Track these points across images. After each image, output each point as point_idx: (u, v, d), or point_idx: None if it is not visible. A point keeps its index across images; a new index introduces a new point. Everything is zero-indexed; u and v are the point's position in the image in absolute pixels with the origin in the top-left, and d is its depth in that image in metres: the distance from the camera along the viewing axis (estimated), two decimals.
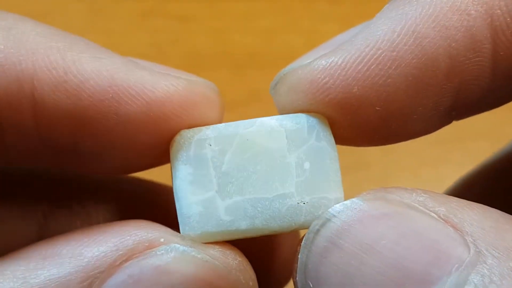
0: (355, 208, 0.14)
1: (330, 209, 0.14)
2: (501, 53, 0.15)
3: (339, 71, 0.15)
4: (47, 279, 0.14)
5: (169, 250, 0.14)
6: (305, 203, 0.15)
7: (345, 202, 0.14)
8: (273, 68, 0.43)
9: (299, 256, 0.14)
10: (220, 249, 0.15)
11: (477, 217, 0.13)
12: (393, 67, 0.15)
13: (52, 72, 0.15)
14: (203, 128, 0.16)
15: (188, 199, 0.15)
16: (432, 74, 0.15)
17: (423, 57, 0.15)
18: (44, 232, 0.19)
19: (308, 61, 0.16)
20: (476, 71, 0.15)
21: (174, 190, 0.16)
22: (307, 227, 0.15)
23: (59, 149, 0.16)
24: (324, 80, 0.15)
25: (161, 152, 0.16)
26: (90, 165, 0.17)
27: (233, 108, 0.42)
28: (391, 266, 0.13)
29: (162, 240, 0.14)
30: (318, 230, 0.14)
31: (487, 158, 0.23)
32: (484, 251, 0.13)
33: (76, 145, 0.16)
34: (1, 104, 0.15)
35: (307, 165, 0.15)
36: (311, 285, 0.14)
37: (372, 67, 0.15)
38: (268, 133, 0.15)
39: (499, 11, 0.15)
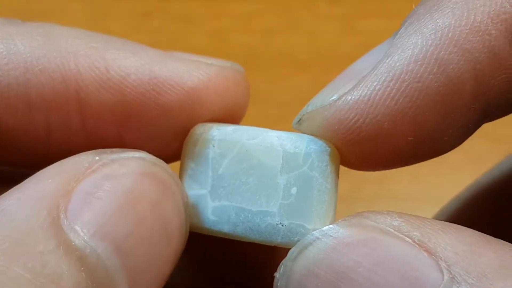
0: (331, 236, 0.14)
1: (307, 236, 0.14)
2: None
3: (367, 109, 0.15)
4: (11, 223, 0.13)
5: (109, 161, 0.15)
6: (284, 225, 0.15)
7: (322, 229, 0.14)
8: (273, 68, 0.43)
9: (278, 284, 0.15)
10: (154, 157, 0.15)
11: (451, 241, 0.13)
12: (421, 98, 0.15)
13: (94, 71, 0.16)
14: (214, 126, 0.16)
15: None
16: (459, 97, 0.15)
17: (449, 83, 0.15)
18: None
19: (332, 98, 0.16)
20: (503, 86, 0.15)
21: None
22: (284, 246, 0.15)
23: (104, 144, 0.17)
24: (354, 119, 0.15)
25: None
26: None
27: None
28: None
29: (97, 158, 0.15)
30: (295, 258, 0.14)
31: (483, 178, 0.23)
32: (458, 277, 0.13)
33: (122, 139, 0.17)
34: (49, 106, 0.16)
35: (294, 190, 0.15)
36: None
37: (400, 101, 0.15)
38: (267, 150, 0.16)
39: None
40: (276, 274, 0.15)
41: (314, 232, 0.14)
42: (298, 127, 0.17)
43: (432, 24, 0.15)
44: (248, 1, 0.46)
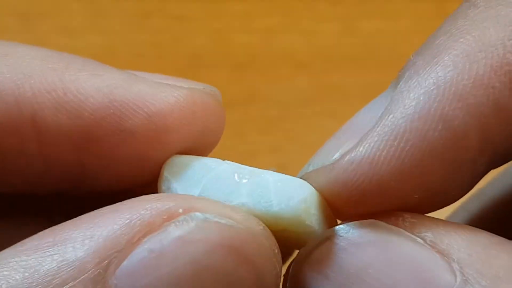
0: (341, 236, 0.14)
1: (317, 237, 0.14)
2: None
3: (372, 169, 0.14)
4: (61, 264, 0.13)
5: (189, 219, 0.13)
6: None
7: (332, 229, 0.14)
8: (273, 68, 0.43)
9: (287, 285, 0.14)
10: (243, 214, 0.14)
11: (464, 242, 0.13)
12: (426, 156, 0.14)
13: (51, 93, 0.15)
14: (172, 179, 0.16)
15: None
16: (465, 152, 0.14)
17: (454, 140, 0.14)
18: None
19: (334, 157, 0.15)
20: (510, 137, 0.15)
21: None
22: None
23: (65, 170, 0.16)
24: (359, 180, 0.14)
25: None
26: (97, 183, 0.17)
27: (232, 108, 0.42)
28: None
29: (180, 210, 0.13)
30: (305, 259, 0.14)
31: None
32: (471, 279, 0.12)
33: (82, 165, 0.16)
34: (2, 131, 0.15)
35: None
36: None
37: (405, 160, 0.14)
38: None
39: None
40: (285, 275, 0.14)
41: (324, 232, 0.14)
42: None
43: (433, 78, 0.14)
44: (248, 1, 0.45)
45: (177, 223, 0.13)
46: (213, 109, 0.17)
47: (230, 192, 0.15)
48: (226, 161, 0.16)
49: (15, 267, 0.13)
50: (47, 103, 0.15)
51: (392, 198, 0.15)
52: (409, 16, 0.45)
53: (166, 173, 0.16)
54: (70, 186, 0.17)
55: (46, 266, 0.13)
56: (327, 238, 0.14)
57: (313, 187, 0.15)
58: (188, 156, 0.16)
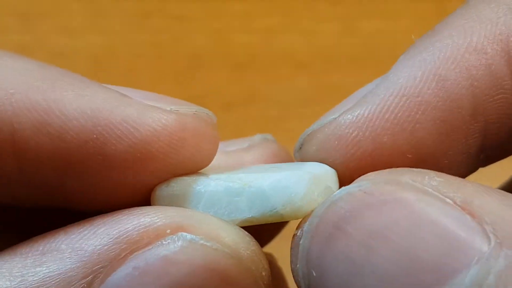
0: (365, 192, 0.13)
1: (336, 192, 0.13)
2: None
3: (366, 123, 0.15)
4: (47, 276, 0.13)
5: (176, 239, 0.13)
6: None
7: (353, 184, 0.13)
8: (273, 68, 0.43)
9: (300, 242, 0.13)
10: (231, 237, 0.14)
11: (497, 204, 0.12)
12: (420, 112, 0.15)
13: (32, 113, 0.14)
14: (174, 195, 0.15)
15: None
16: (458, 114, 0.15)
17: (447, 99, 0.15)
18: None
19: (332, 117, 0.16)
20: (501, 108, 0.15)
21: None
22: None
23: (44, 191, 0.15)
24: (353, 134, 0.15)
25: (151, 188, 0.16)
26: (82, 203, 0.16)
27: (232, 108, 0.42)
28: (403, 255, 0.12)
29: (168, 231, 0.13)
30: (322, 214, 0.13)
31: None
32: (506, 243, 0.12)
33: (62, 186, 0.15)
34: None
35: None
36: (314, 274, 0.13)
37: (399, 115, 0.15)
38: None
39: None
40: (297, 232, 0.14)
41: (346, 187, 0.13)
42: (298, 152, 0.16)
43: (430, 46, 0.15)
44: (248, 1, 0.45)
45: (164, 243, 0.13)
46: (205, 134, 0.16)
47: (231, 211, 0.15)
48: (211, 177, 0.15)
49: (4, 274, 0.13)
50: (28, 123, 0.14)
51: (386, 155, 0.15)
52: (409, 16, 0.45)
53: (157, 203, 0.15)
54: (52, 204, 0.16)
55: (33, 277, 0.13)
56: (349, 193, 0.13)
57: (311, 148, 0.15)
58: (172, 182, 0.15)
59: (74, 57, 0.41)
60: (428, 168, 0.15)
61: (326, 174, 0.15)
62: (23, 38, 0.42)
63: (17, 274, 0.13)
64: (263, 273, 0.14)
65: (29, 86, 0.15)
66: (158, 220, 0.14)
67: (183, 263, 0.13)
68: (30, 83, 0.15)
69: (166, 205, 0.15)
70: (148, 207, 0.14)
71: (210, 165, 0.16)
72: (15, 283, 0.13)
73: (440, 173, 0.13)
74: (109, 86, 0.16)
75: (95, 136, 0.14)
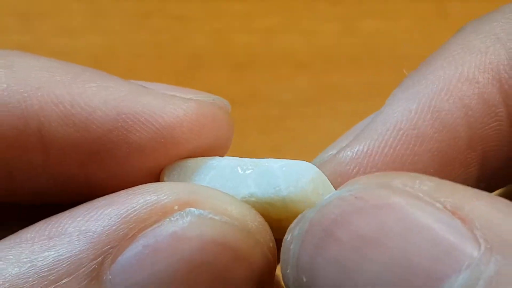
0: (355, 197, 0.13)
1: (327, 196, 0.13)
2: None
3: (367, 159, 0.15)
4: (56, 259, 0.13)
5: (184, 215, 0.13)
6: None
7: (344, 188, 0.13)
8: (273, 68, 0.43)
9: (290, 247, 0.13)
10: (238, 210, 0.14)
11: (487, 209, 0.12)
12: (417, 144, 0.15)
13: (58, 106, 0.15)
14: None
15: None
16: (455, 144, 0.15)
17: (443, 130, 0.15)
18: None
19: (330, 153, 0.16)
20: (496, 135, 0.15)
21: None
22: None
23: (69, 183, 0.16)
24: (355, 170, 0.15)
25: None
26: (101, 193, 0.16)
27: (233, 108, 0.42)
28: (395, 260, 0.12)
29: (176, 207, 0.14)
30: (313, 219, 0.13)
31: None
32: (496, 248, 0.12)
33: (88, 178, 0.16)
34: (8, 143, 0.15)
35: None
36: (305, 280, 0.13)
37: (397, 148, 0.15)
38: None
39: (505, 74, 0.15)
40: (287, 237, 0.14)
41: (336, 191, 0.13)
42: None
43: (423, 79, 0.16)
44: (248, 1, 0.45)
45: (172, 219, 0.13)
46: (222, 121, 0.17)
47: (236, 185, 0.15)
48: (225, 157, 0.16)
49: (12, 260, 0.13)
50: (54, 116, 0.15)
51: None
52: (409, 16, 0.45)
53: (166, 178, 0.16)
54: (73, 198, 0.17)
55: (42, 262, 0.13)
56: (340, 198, 0.13)
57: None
58: (186, 159, 0.16)
59: (74, 57, 0.41)
60: None
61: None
62: (23, 38, 0.42)
63: (25, 260, 0.13)
64: (271, 244, 0.14)
65: (53, 81, 0.15)
66: (165, 197, 0.14)
67: (193, 238, 0.13)
68: (54, 78, 0.15)
69: (175, 177, 0.16)
70: (153, 184, 0.15)
71: None
72: (25, 269, 0.13)
73: (431, 177, 0.13)
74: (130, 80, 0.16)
75: (119, 124, 0.15)
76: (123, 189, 0.16)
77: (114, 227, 0.13)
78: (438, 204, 0.12)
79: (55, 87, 0.15)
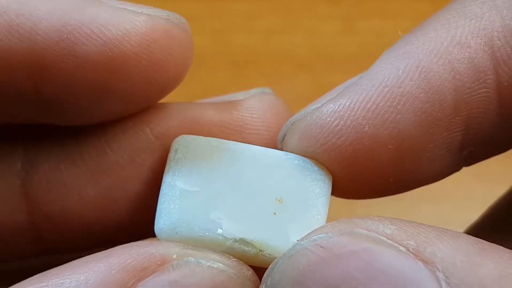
0: (321, 247, 0.13)
1: (294, 246, 0.13)
2: (505, 84, 0.15)
3: (348, 112, 0.15)
4: None
5: (183, 263, 0.14)
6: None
7: (311, 238, 0.13)
8: (273, 68, 0.43)
9: None
10: (234, 259, 0.14)
11: (448, 250, 0.12)
12: (402, 103, 0.15)
13: (2, 16, 0.15)
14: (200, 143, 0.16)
15: None
16: (440, 107, 0.15)
17: (429, 91, 0.15)
18: (27, 186, 0.17)
19: (315, 107, 0.16)
20: (483, 103, 0.15)
21: None
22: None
23: (22, 98, 0.15)
24: (335, 123, 0.15)
25: (128, 94, 0.16)
26: (66, 116, 0.16)
27: None
28: None
29: (174, 256, 0.14)
30: (283, 269, 0.13)
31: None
32: None
33: (39, 93, 0.15)
34: None
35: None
36: None
37: (381, 104, 0.15)
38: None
39: (498, 42, 0.15)
40: (262, 286, 0.14)
41: (302, 242, 0.13)
42: (282, 143, 0.16)
43: (414, 39, 0.15)
44: (248, 1, 0.45)
45: (171, 268, 0.13)
46: (177, 38, 0.16)
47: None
48: (238, 143, 0.16)
49: None
50: None
51: (367, 145, 0.15)
52: (409, 16, 0.45)
53: (173, 153, 0.16)
54: (35, 116, 0.16)
55: None
56: (306, 248, 0.13)
57: (294, 138, 0.16)
58: (197, 136, 0.16)
59: None
60: (410, 162, 0.15)
61: None
62: None
63: None
64: None
65: None
66: (161, 248, 0.14)
67: (193, 285, 0.13)
68: None
69: (181, 158, 0.15)
70: (149, 240, 0.15)
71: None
72: None
73: (394, 219, 0.13)
74: None
75: (65, 36, 0.15)
76: (85, 109, 0.15)
77: (114, 276, 0.13)
78: (401, 248, 0.13)
79: None
